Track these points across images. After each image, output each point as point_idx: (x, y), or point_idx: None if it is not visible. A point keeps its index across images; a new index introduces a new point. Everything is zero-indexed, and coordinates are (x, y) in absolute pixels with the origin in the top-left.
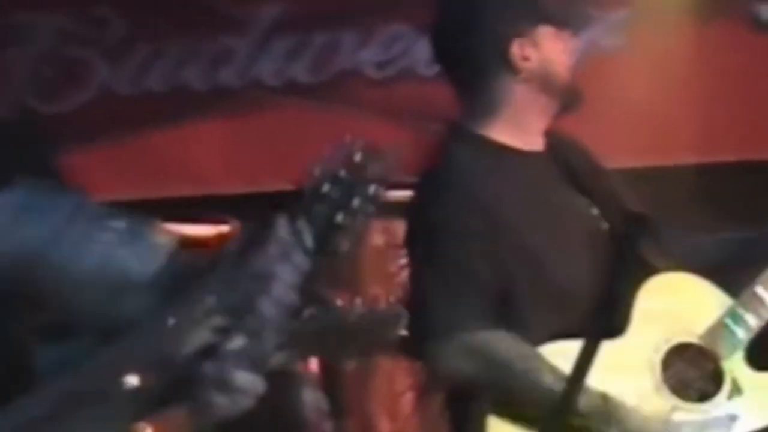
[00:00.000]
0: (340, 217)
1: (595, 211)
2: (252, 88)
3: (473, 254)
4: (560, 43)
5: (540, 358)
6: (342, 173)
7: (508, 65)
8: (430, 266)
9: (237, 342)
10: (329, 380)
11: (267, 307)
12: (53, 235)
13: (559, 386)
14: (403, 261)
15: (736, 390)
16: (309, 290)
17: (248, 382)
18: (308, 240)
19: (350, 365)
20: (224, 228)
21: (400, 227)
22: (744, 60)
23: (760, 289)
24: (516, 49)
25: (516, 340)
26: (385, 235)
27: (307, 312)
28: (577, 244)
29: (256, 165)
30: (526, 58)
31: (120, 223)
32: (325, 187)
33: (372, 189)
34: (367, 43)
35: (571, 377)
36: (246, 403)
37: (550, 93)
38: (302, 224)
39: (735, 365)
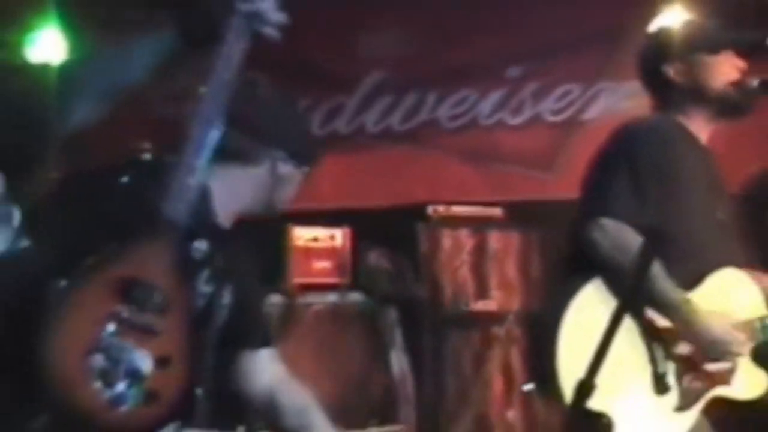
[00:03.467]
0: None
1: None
2: (357, 134)
3: (652, 184)
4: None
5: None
6: None
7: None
8: (617, 174)
9: None
10: None
11: None
12: None
13: (655, 280)
14: (464, 259)
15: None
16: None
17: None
18: None
19: None
20: (336, 232)
21: (463, 235)
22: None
23: None
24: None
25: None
26: (451, 240)
27: None
28: (712, 224)
29: (360, 188)
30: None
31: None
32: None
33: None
34: (443, 102)
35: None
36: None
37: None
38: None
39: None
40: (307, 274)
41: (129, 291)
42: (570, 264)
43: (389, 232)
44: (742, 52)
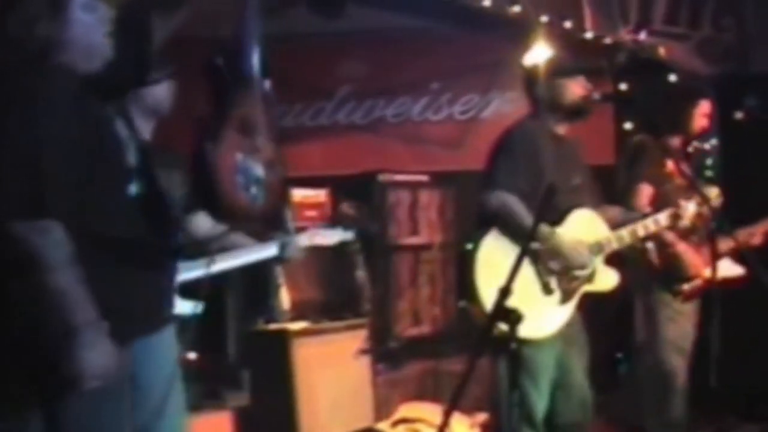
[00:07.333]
0: None
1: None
2: (334, 126)
3: (523, 165)
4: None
5: (525, 212)
6: None
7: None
8: (503, 160)
9: None
10: None
11: None
12: None
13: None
14: (402, 208)
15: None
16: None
17: None
18: None
19: None
20: (321, 192)
21: (402, 192)
22: None
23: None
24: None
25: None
26: (395, 196)
27: None
28: (566, 187)
29: (336, 161)
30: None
31: None
32: None
33: None
34: (389, 105)
35: (535, 222)
36: None
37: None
38: None
39: (598, 262)
40: (301, 220)
41: (242, 126)
42: (480, 216)
43: (354, 191)
44: (588, 76)
